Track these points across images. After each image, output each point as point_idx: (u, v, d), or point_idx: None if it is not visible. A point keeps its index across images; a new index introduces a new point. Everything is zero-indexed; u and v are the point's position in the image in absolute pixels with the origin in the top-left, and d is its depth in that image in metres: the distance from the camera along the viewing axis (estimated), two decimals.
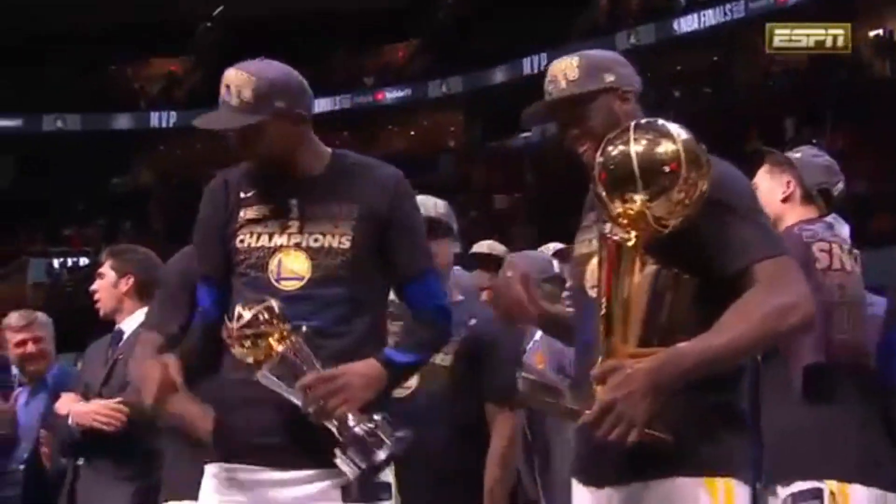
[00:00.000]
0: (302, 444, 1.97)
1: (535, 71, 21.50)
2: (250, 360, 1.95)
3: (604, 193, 1.71)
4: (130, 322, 3.18)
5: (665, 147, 1.68)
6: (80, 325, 10.03)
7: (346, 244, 2.05)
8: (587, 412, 1.64)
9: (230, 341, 1.97)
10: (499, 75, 21.99)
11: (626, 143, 1.69)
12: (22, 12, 22.61)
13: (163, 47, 26.22)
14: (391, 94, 24.19)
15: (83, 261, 21.65)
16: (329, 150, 2.18)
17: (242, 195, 2.12)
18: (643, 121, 1.75)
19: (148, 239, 15.20)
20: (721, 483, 1.76)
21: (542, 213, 17.28)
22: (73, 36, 24.79)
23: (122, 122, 24.89)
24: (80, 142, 24.18)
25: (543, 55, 21.21)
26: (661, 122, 1.73)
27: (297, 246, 2.07)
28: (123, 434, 3.06)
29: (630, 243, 1.69)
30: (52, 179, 24.29)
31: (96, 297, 3.37)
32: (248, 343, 1.96)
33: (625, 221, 1.69)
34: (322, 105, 24.12)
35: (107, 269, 3.35)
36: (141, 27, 24.73)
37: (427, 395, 2.55)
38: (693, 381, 1.67)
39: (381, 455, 1.91)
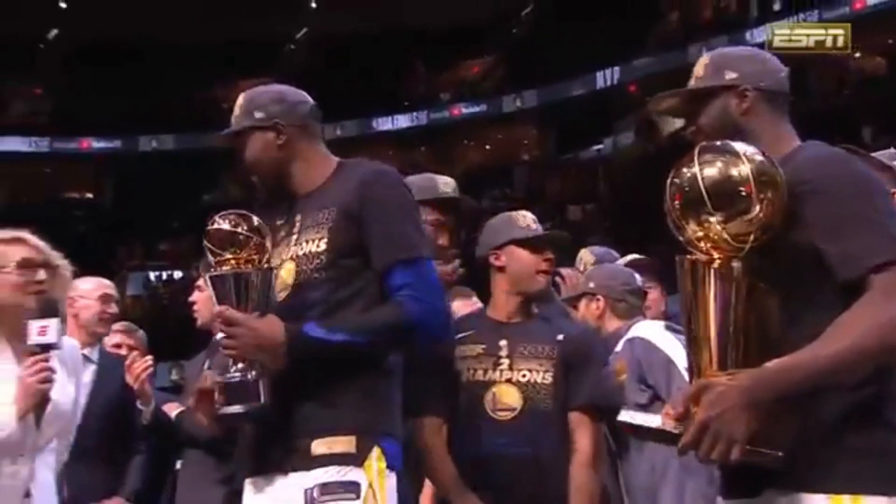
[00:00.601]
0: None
1: (608, 84, 21.34)
2: (210, 258, 2.02)
3: (678, 216, 1.67)
4: None
5: (737, 169, 1.63)
6: (176, 335, 10.32)
7: (322, 247, 2.05)
8: (685, 434, 1.57)
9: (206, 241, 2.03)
10: (572, 89, 21.87)
11: (696, 166, 1.65)
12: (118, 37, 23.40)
13: (249, 69, 26.80)
14: (467, 110, 24.26)
15: (177, 274, 22.24)
16: (336, 160, 2.21)
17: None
18: (713, 143, 1.70)
19: None
20: (848, 500, 1.58)
21: (616, 224, 17.10)
22: (164, 60, 25.57)
23: (212, 140, 25.49)
24: (174, 161, 24.90)
25: (616, 69, 21.06)
26: (730, 143, 1.68)
27: (291, 257, 2.11)
28: (220, 438, 3.12)
29: (715, 265, 1.64)
30: (148, 197, 25.03)
31: (195, 308, 3.44)
32: (216, 247, 2.02)
33: (706, 244, 1.64)
34: (400, 122, 24.39)
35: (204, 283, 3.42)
36: (228, 49, 25.35)
37: (532, 413, 2.52)
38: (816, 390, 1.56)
39: (235, 409, 1.93)
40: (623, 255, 3.81)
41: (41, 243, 2.44)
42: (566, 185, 22.28)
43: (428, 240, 2.14)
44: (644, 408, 3.00)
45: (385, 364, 2.05)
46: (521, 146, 25.78)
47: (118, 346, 3.94)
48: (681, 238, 1.69)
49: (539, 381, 2.53)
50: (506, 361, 2.55)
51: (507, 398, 2.48)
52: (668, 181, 1.69)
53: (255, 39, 25.05)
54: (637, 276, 3.40)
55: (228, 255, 2.00)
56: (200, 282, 3.44)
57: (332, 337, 1.95)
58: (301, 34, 26.32)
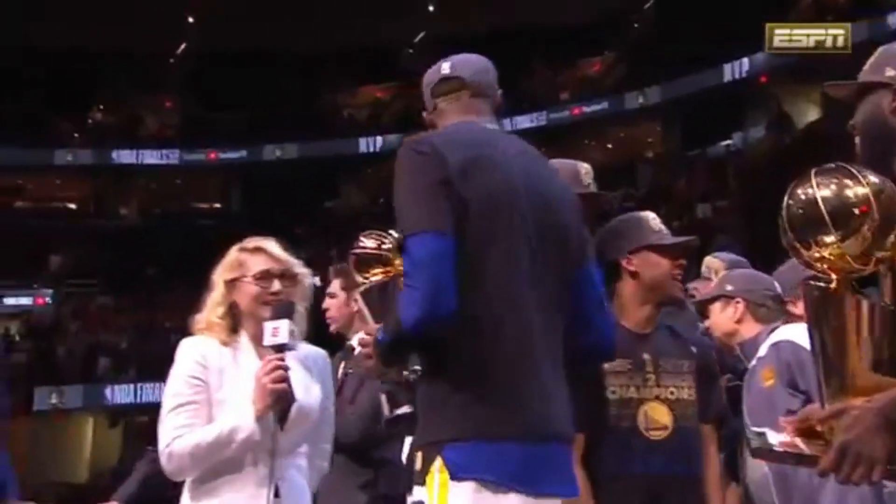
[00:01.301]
0: None
1: (737, 77, 20.69)
2: (357, 275, 2.12)
3: (793, 237, 1.66)
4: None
5: (854, 190, 1.61)
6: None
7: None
8: (823, 458, 1.58)
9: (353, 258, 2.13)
10: (698, 83, 21.33)
11: (812, 187, 1.64)
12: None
13: (369, 75, 27.35)
14: (588, 108, 24.02)
15: None
16: None
17: None
18: (828, 165, 1.68)
19: None
20: None
21: (749, 222, 16.55)
22: (285, 69, 26.36)
23: (334, 148, 26.11)
24: (297, 169, 25.64)
25: (745, 60, 20.39)
26: (845, 166, 1.66)
27: None
28: (360, 443, 3.19)
29: (832, 285, 1.64)
30: (273, 205, 25.86)
31: (328, 315, 3.53)
32: (363, 265, 2.14)
33: (823, 265, 1.64)
34: (519, 122, 24.32)
35: (336, 289, 3.51)
36: (347, 56, 25.94)
37: (683, 431, 2.50)
38: None
39: (405, 409, 2.18)
40: (753, 253, 3.71)
41: (282, 254, 2.60)
42: (694, 182, 21.74)
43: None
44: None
45: (443, 364, 1.94)
46: (644, 144, 25.34)
47: None
48: (798, 259, 1.68)
49: (685, 397, 2.53)
50: (652, 377, 2.52)
51: (658, 416, 2.47)
52: (784, 204, 1.68)
53: (373, 45, 25.53)
54: (776, 283, 3.30)
55: (378, 272, 2.09)
56: (332, 288, 3.52)
57: (381, 337, 2.00)
58: (419, 38, 26.65)
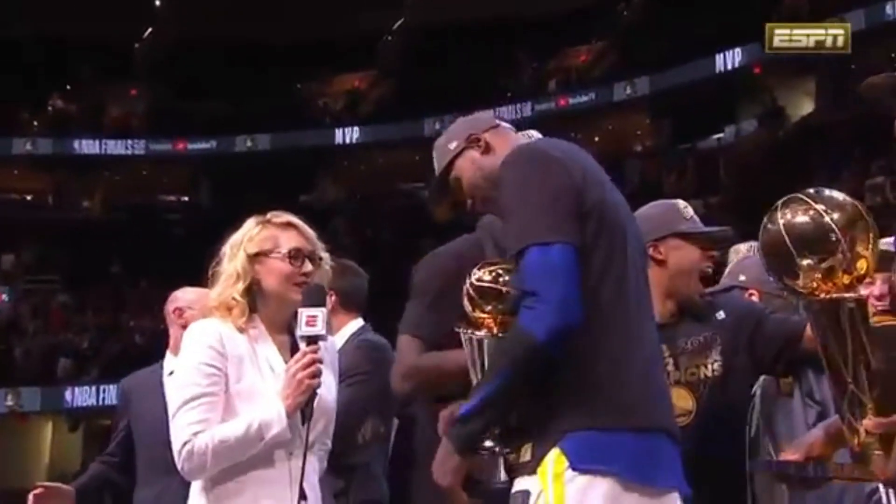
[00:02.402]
0: None
1: (729, 67, 20.81)
2: (470, 311, 1.98)
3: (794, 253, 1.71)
4: (340, 336, 3.19)
5: (827, 217, 1.70)
6: None
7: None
8: (883, 471, 1.61)
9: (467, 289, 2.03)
10: (688, 74, 21.43)
11: (779, 217, 1.74)
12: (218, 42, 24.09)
13: (345, 64, 27.28)
14: (574, 99, 24.08)
15: None
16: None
17: None
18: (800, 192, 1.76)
19: (337, 254, 15.73)
20: None
21: (742, 217, 16.65)
22: (258, 58, 26.25)
23: (308, 139, 26.05)
24: (270, 160, 25.54)
25: (737, 50, 20.51)
26: (816, 191, 1.75)
27: None
28: (334, 450, 3.19)
29: (850, 305, 1.68)
30: (245, 199, 25.73)
31: None
32: (478, 299, 2.00)
33: (816, 284, 1.69)
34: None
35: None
36: (322, 45, 25.85)
37: (706, 412, 2.46)
38: None
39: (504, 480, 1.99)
40: None
41: (311, 232, 2.44)
42: (684, 177, 21.86)
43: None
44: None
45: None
46: (633, 137, 25.42)
47: None
48: (782, 287, 1.77)
49: (708, 374, 2.48)
50: (670, 361, 2.48)
51: (681, 402, 2.41)
52: (760, 235, 1.78)
53: (349, 34, 25.47)
54: (742, 274, 3.25)
55: (488, 310, 1.98)
56: None
57: (468, 406, 1.92)
58: (396, 26, 26.62)
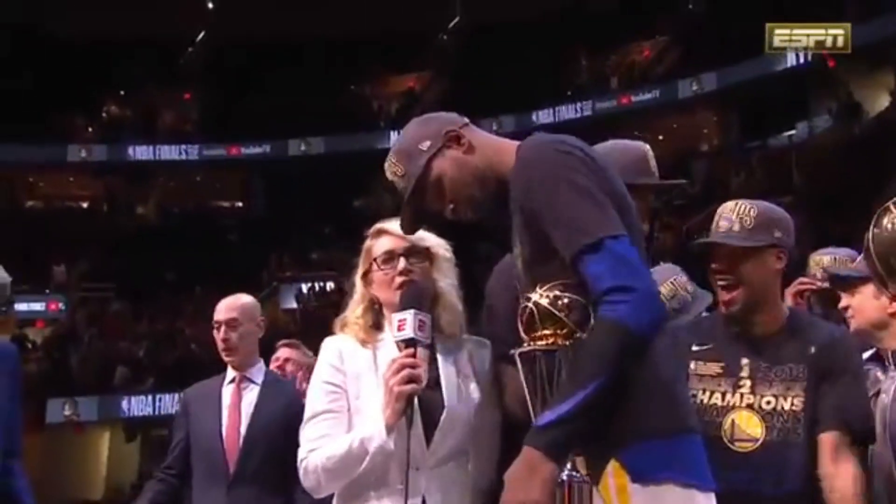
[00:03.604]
0: None
1: (801, 61, 20.46)
2: (524, 332, 1.93)
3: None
4: None
5: None
6: None
7: (522, 261, 2.08)
8: None
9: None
10: (757, 68, 21.11)
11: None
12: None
13: (400, 64, 27.43)
14: (637, 97, 23.89)
15: (329, 285, 22.98)
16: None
17: None
18: None
19: None
20: None
21: (816, 217, 16.37)
22: (310, 59, 26.51)
23: (363, 142, 26.25)
24: (324, 165, 25.78)
25: None
26: None
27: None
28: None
29: None
30: (299, 204, 25.96)
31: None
32: (538, 321, 1.94)
33: None
34: (563, 113, 24.27)
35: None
36: (376, 45, 26.02)
37: (778, 445, 2.35)
38: None
39: None
40: None
41: (402, 230, 2.31)
42: (753, 177, 21.53)
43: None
44: None
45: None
46: (699, 135, 25.14)
47: (287, 360, 4.23)
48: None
49: (787, 408, 2.37)
50: (747, 383, 2.40)
51: (747, 427, 2.34)
52: (869, 235, 1.73)
53: (404, 33, 25.59)
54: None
55: (548, 333, 1.93)
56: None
57: (563, 409, 1.83)
58: (452, 24, 26.68)
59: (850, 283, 2.79)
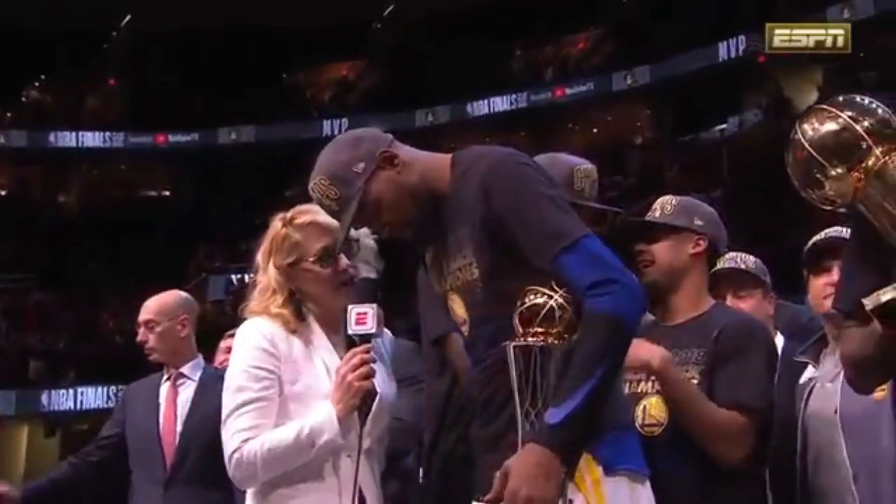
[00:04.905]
0: None
1: (732, 56, 20.83)
2: (520, 331, 1.96)
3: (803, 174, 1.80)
4: None
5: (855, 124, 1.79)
6: None
7: (476, 274, 2.07)
8: None
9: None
10: (690, 63, 21.45)
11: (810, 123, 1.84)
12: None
13: (333, 52, 27.23)
14: (571, 90, 24.08)
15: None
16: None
17: None
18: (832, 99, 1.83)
19: None
20: None
21: (745, 212, 16.70)
22: (241, 46, 26.19)
23: (295, 131, 26.00)
24: (254, 154, 25.49)
25: (741, 38, 20.53)
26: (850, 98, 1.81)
27: (453, 287, 2.17)
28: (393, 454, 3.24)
29: None
30: (228, 194, 25.67)
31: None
32: (533, 320, 1.97)
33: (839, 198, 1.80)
34: (497, 105, 24.37)
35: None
36: (309, 32, 25.79)
37: (677, 427, 2.41)
38: None
39: None
40: (750, 247, 3.68)
41: (332, 221, 2.26)
42: (685, 170, 21.88)
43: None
44: None
45: None
46: (633, 128, 25.45)
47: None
48: (812, 197, 1.77)
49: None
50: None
51: (656, 412, 2.42)
52: (790, 140, 1.78)
53: (338, 20, 25.41)
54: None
55: (539, 331, 1.95)
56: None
57: (571, 405, 1.85)
58: (387, 13, 26.58)
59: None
